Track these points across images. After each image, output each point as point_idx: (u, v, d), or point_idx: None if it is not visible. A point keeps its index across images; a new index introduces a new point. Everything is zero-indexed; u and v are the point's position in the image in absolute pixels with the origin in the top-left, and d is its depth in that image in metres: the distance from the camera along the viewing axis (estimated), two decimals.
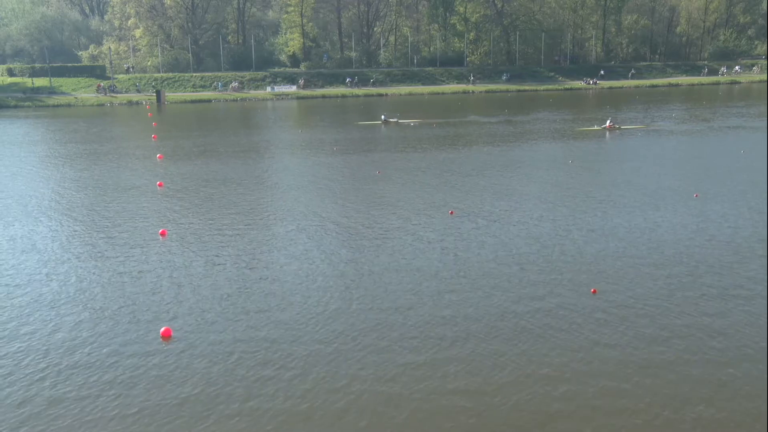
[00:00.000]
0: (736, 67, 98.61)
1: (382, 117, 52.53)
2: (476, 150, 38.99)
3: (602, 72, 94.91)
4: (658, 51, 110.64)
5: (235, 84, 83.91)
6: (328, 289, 16.58)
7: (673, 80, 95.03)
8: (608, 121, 46.58)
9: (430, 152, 38.02)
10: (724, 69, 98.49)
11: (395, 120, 52.46)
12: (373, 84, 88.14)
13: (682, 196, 25.62)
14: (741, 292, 15.91)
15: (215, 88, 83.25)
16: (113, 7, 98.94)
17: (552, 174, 30.71)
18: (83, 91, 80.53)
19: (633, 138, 42.65)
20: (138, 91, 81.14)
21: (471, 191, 27.07)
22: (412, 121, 52.95)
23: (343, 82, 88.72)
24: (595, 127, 46.39)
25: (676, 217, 22.50)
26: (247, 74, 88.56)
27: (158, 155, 37.60)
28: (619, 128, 46.04)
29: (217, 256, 19.25)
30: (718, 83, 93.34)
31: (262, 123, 59.54)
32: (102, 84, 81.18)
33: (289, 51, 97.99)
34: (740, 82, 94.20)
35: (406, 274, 17.48)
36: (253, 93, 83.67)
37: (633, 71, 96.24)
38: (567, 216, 22.92)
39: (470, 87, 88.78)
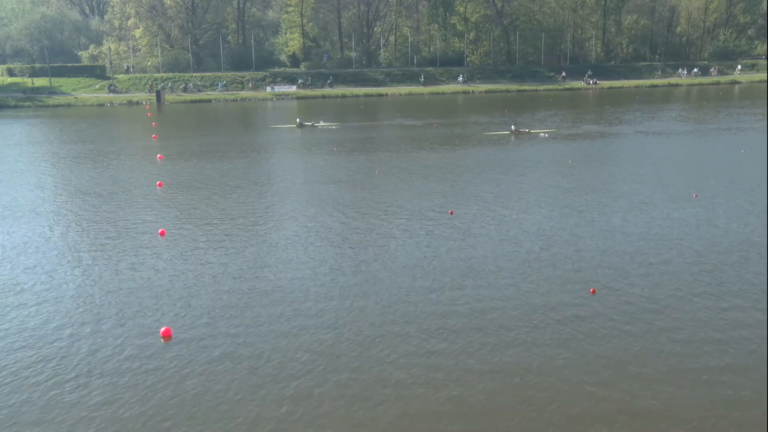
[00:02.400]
0: (695, 69, 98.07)
1: (297, 120, 51.07)
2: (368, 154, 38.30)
3: (564, 73, 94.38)
4: (658, 51, 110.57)
5: (186, 86, 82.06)
6: (332, 288, 16.57)
7: (673, 80, 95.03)
8: (513, 126, 44.86)
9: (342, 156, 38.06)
10: (684, 71, 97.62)
11: (311, 123, 50.94)
12: (330, 84, 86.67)
13: (681, 196, 25.61)
14: (741, 291, 15.92)
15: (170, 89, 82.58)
16: (113, 7, 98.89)
17: (537, 175, 30.72)
18: (83, 91, 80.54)
19: (539, 143, 40.77)
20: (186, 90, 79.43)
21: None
22: (331, 125, 51.58)
23: (343, 82, 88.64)
24: (500, 132, 44.93)
25: (676, 217, 22.49)
26: (247, 74, 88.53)
27: (158, 155, 37.61)
28: (527, 132, 44.24)
29: (217, 255, 19.25)
30: (718, 83, 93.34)
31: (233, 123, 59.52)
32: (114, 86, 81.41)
33: (289, 51, 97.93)
34: (740, 82, 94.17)
35: (411, 273, 17.48)
36: (252, 93, 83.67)
37: (589, 72, 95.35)
38: (563, 216, 22.93)
39: (421, 89, 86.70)
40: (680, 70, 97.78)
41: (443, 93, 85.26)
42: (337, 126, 51.69)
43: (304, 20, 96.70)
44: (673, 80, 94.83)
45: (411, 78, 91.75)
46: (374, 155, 37.86)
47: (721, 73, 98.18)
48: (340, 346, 13.46)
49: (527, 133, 44.30)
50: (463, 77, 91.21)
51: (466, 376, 12.23)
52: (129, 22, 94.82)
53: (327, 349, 13.36)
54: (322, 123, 51.73)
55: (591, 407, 11.24)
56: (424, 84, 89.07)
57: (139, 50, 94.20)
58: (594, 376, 12.16)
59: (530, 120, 54.03)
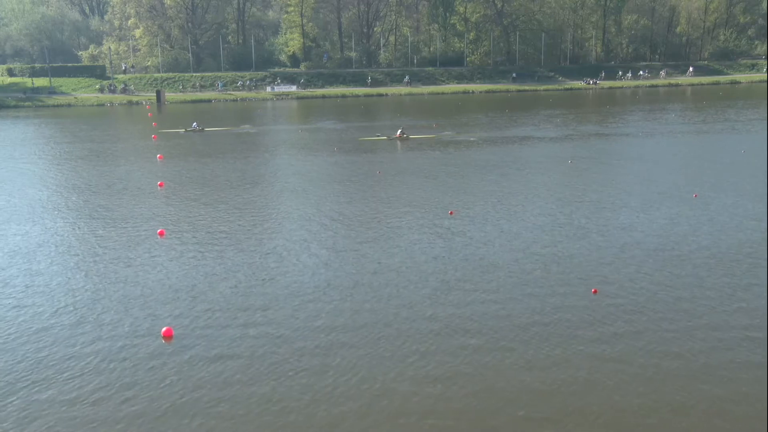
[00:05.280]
0: (640, 72, 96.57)
1: (194, 125, 49.21)
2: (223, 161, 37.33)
3: (514, 75, 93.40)
4: (658, 51, 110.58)
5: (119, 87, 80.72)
6: (334, 289, 16.54)
7: (673, 80, 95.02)
8: (398, 131, 42.96)
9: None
10: (628, 74, 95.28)
11: (201, 128, 48.87)
12: (275, 86, 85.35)
13: (681, 196, 25.58)
14: (742, 292, 15.90)
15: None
16: (113, 7, 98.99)
17: (531, 177, 30.71)
18: (83, 91, 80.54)
19: (424, 149, 39.12)
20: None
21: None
22: (219, 129, 49.71)
23: (343, 82, 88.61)
24: (378, 136, 43.15)
25: (676, 217, 22.47)
26: (247, 74, 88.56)
27: (158, 155, 37.61)
28: (407, 137, 42.39)
29: (217, 255, 19.23)
30: (718, 83, 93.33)
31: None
32: (114, 84, 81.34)
33: (289, 51, 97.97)
34: (741, 82, 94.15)
35: (411, 274, 17.47)
36: (253, 93, 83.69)
37: (539, 74, 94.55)
38: (563, 216, 22.92)
39: (368, 90, 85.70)
40: (620, 72, 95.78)
41: (442, 93, 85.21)
42: (225, 130, 49.62)
43: (304, 20, 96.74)
44: (673, 80, 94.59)
45: (411, 78, 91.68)
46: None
47: (669, 74, 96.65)
48: (363, 350, 13.45)
49: (407, 138, 42.43)
50: (407, 79, 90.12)
51: (509, 390, 11.88)
52: (129, 22, 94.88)
53: (357, 355, 13.36)
54: (206, 128, 49.36)
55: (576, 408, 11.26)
56: (371, 85, 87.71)
57: (139, 50, 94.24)
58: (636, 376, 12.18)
59: (532, 120, 54.09)
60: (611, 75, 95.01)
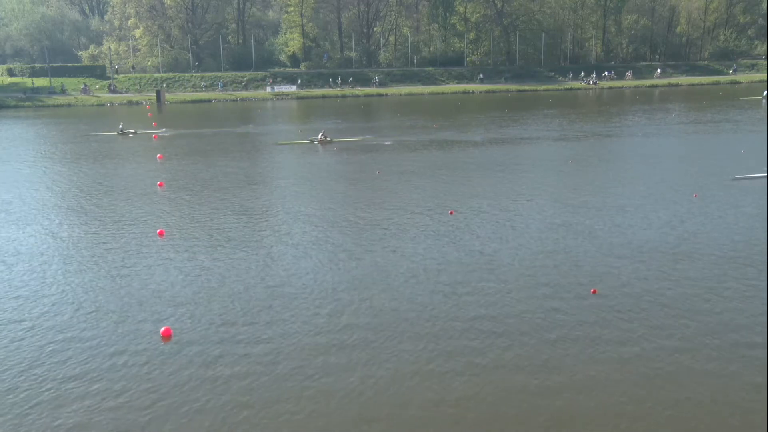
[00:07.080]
0: (604, 73, 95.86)
1: (120, 127, 48.57)
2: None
3: (481, 76, 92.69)
4: (658, 51, 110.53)
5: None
6: (334, 288, 16.53)
7: (673, 80, 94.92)
8: (320, 134, 42.13)
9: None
10: (593, 76, 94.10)
11: (133, 132, 48.37)
12: (245, 87, 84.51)
13: (681, 196, 25.57)
14: (742, 291, 15.90)
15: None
16: (113, 7, 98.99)
17: (529, 176, 30.71)
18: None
19: (349, 152, 38.40)
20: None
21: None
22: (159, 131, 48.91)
23: (343, 82, 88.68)
24: (297, 141, 42.82)
25: (677, 217, 22.46)
26: (247, 74, 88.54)
27: (158, 155, 37.62)
28: (331, 141, 41.65)
29: (216, 255, 19.24)
30: (718, 83, 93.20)
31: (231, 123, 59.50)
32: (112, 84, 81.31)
33: (289, 51, 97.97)
34: (741, 82, 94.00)
35: (412, 275, 17.47)
36: (253, 93, 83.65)
37: (507, 75, 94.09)
38: (562, 216, 22.92)
39: (336, 91, 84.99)
40: (583, 73, 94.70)
41: (442, 93, 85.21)
42: (170, 132, 48.90)
43: (304, 20, 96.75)
44: (673, 80, 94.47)
45: (411, 78, 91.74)
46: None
47: (636, 76, 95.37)
48: (362, 348, 13.46)
49: (330, 141, 41.64)
50: (376, 80, 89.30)
51: (507, 391, 11.94)
52: (129, 22, 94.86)
53: (359, 354, 13.36)
54: (137, 131, 48.92)
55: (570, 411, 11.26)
56: (341, 86, 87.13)
57: (139, 50, 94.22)
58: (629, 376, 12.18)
59: (533, 119, 54.08)
60: (576, 75, 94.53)
